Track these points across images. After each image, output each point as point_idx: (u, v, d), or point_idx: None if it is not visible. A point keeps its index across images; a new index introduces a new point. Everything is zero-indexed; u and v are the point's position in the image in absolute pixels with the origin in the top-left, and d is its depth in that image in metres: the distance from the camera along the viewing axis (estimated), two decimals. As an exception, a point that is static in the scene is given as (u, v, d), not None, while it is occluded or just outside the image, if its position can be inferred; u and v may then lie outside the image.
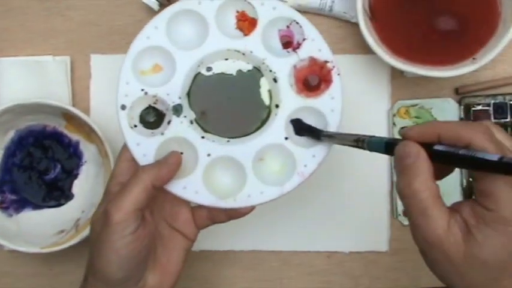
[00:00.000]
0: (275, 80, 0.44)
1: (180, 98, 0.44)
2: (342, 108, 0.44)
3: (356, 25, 0.51)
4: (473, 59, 0.50)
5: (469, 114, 0.55)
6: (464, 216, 0.31)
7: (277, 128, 0.44)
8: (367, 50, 0.52)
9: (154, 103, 0.44)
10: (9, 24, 0.57)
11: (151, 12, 0.55)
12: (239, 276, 0.58)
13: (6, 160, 0.56)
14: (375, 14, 0.51)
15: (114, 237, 0.39)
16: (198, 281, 0.58)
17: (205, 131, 0.44)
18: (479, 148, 0.29)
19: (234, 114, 0.45)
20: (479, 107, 0.55)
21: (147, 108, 0.44)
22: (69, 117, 0.54)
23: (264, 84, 0.45)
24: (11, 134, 0.56)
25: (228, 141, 0.44)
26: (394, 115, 0.55)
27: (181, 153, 0.43)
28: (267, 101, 0.45)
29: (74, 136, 0.57)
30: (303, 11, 0.55)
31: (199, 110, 0.44)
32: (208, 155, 0.43)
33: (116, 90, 0.43)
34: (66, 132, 0.57)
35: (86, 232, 0.52)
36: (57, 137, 0.57)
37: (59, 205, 0.57)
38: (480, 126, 0.31)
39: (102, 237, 0.39)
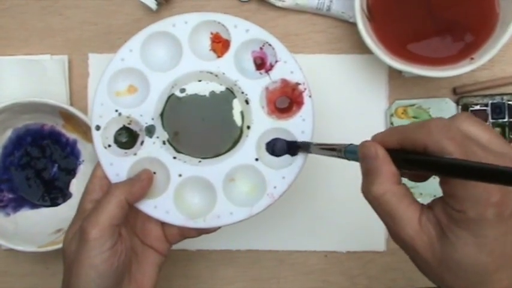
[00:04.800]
0: (247, 102, 0.45)
1: (153, 119, 0.44)
2: (313, 130, 0.44)
3: (354, 25, 0.51)
4: (471, 59, 0.50)
5: (467, 114, 0.54)
6: (436, 214, 0.29)
7: (248, 149, 0.44)
8: (365, 49, 0.52)
9: (129, 124, 0.45)
10: (7, 23, 0.57)
11: (149, 11, 0.55)
12: (236, 275, 0.58)
13: (4, 159, 0.56)
14: (372, 14, 0.51)
15: (92, 254, 0.39)
16: (194, 280, 0.58)
17: (178, 151, 0.45)
18: (436, 149, 0.28)
19: (206, 135, 0.45)
20: (477, 107, 0.55)
21: (121, 129, 0.45)
22: (66, 116, 0.54)
23: (237, 106, 0.45)
24: (8, 133, 0.56)
25: (200, 161, 0.45)
26: (391, 115, 0.55)
27: (154, 173, 0.44)
28: (239, 122, 0.45)
29: (71, 135, 0.56)
30: (301, 10, 0.55)
31: (172, 130, 0.45)
32: (180, 175, 0.44)
33: (90, 112, 0.44)
34: (63, 131, 0.57)
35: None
36: (54, 136, 0.57)
37: (57, 204, 0.57)
38: (435, 124, 0.29)
39: (80, 254, 0.39)
